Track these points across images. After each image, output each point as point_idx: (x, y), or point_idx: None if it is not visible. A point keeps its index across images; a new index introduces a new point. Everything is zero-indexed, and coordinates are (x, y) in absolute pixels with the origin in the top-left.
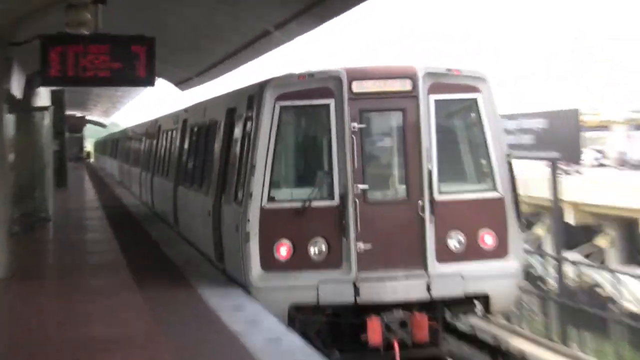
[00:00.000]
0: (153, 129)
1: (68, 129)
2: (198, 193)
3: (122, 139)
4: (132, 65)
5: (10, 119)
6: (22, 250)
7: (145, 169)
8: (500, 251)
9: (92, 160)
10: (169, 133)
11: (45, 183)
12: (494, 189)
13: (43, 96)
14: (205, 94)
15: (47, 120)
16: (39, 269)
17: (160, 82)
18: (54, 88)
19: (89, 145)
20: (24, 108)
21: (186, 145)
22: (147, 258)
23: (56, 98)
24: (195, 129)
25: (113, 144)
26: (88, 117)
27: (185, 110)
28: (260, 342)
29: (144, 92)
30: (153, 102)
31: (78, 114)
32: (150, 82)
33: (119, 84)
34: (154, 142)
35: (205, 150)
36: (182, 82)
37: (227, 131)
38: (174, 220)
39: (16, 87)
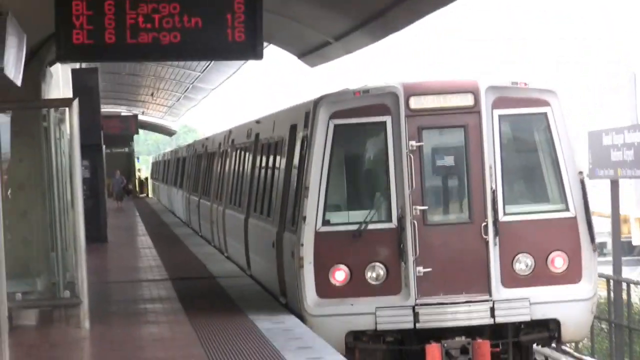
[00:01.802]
0: (225, 145)
1: (106, 140)
2: (266, 224)
3: (189, 157)
4: (221, 23)
5: (2, 122)
6: None
7: (215, 199)
8: (572, 275)
9: (149, 193)
10: (240, 151)
11: (68, 237)
12: (566, 208)
13: (59, 81)
14: (345, 73)
15: (67, 124)
16: None
17: (272, 52)
18: (78, 66)
19: (143, 168)
20: (25, 103)
21: (257, 166)
22: None
23: (84, 84)
24: (266, 147)
25: (176, 165)
26: (142, 118)
27: (257, 121)
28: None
29: (245, 70)
30: (260, 89)
31: (124, 111)
32: (254, 52)
33: (197, 55)
34: (226, 161)
35: (272, 172)
36: (311, 52)
37: (290, 150)
38: (247, 263)
39: (12, 66)
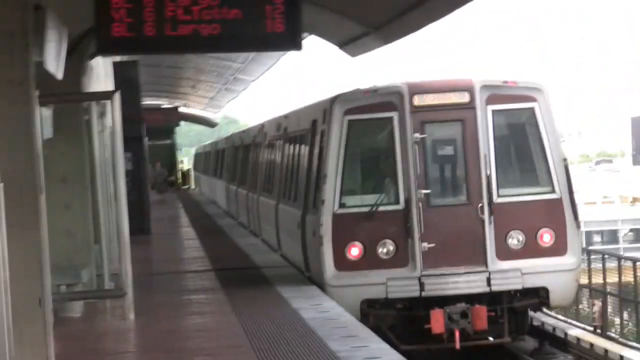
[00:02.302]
0: (258, 137)
1: (149, 132)
2: (292, 208)
3: (227, 149)
4: (260, 14)
5: (45, 116)
6: None
7: (251, 188)
8: (558, 248)
9: (192, 185)
10: (271, 143)
11: (112, 229)
12: (552, 191)
13: (101, 74)
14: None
15: (109, 116)
16: None
17: (312, 42)
18: (118, 59)
19: (185, 160)
20: (66, 96)
21: (284, 157)
22: None
23: (125, 76)
24: (292, 139)
25: (215, 157)
26: (183, 110)
27: (285, 116)
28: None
29: (285, 61)
30: (301, 78)
31: (165, 104)
32: (293, 43)
33: (236, 47)
34: (259, 153)
35: (298, 162)
36: (351, 42)
37: (311, 142)
38: (277, 242)
39: (52, 60)
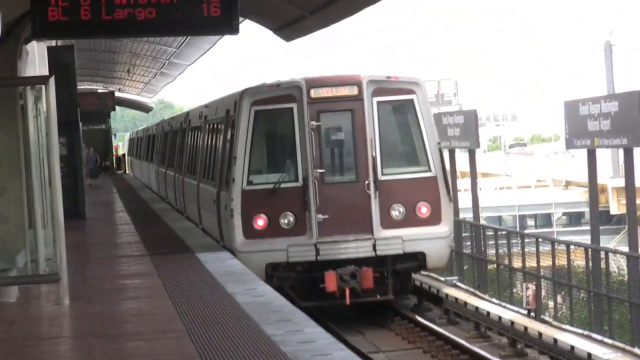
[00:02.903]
0: (184, 124)
1: (83, 117)
2: (210, 186)
3: (157, 135)
4: None
5: None
6: None
7: (177, 170)
8: (434, 219)
9: (127, 170)
10: (194, 130)
11: (47, 214)
12: (428, 170)
13: (35, 59)
14: (322, 45)
15: (44, 101)
16: None
17: (248, 27)
18: (53, 43)
19: (120, 145)
20: (2, 80)
21: (204, 142)
22: None
23: (60, 61)
24: (211, 126)
25: (147, 142)
26: (119, 95)
27: (206, 106)
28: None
29: (221, 45)
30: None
31: (100, 88)
32: (230, 27)
33: (173, 31)
34: (184, 138)
35: (214, 146)
36: (287, 26)
37: (225, 129)
38: (198, 218)
39: None
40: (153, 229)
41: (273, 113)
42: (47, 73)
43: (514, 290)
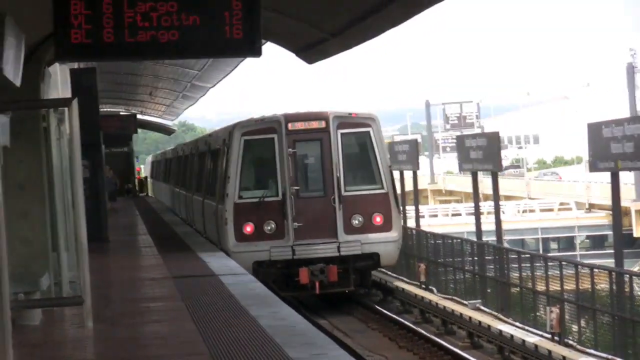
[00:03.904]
0: (193, 150)
1: (105, 140)
2: (211, 201)
3: (173, 159)
4: (219, 20)
5: (2, 123)
6: None
7: (186, 188)
8: (386, 226)
9: (149, 192)
10: (200, 155)
11: (70, 237)
12: (382, 187)
13: (58, 81)
14: (343, 69)
15: (67, 123)
16: None
17: (270, 49)
18: (76, 66)
19: (142, 167)
20: (24, 103)
21: (208, 165)
22: None
23: (82, 84)
24: (213, 153)
25: (165, 165)
26: (141, 117)
27: (209, 135)
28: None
29: (243, 67)
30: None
31: (122, 111)
32: (252, 49)
33: (195, 53)
34: (193, 162)
35: (215, 169)
36: (309, 48)
37: (221, 155)
38: (202, 225)
39: (11, 67)
40: (176, 251)
41: (259, 142)
42: (69, 95)
43: (538, 314)
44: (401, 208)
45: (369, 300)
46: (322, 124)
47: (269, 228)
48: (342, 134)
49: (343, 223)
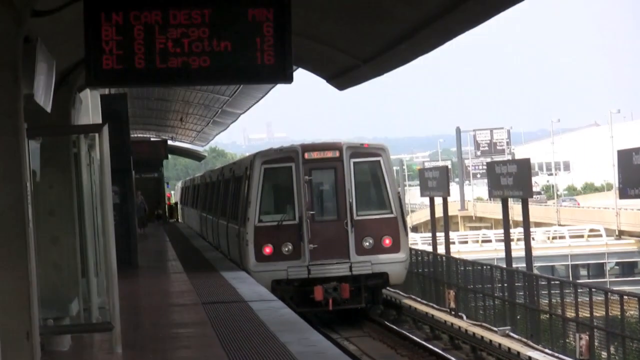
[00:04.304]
0: (219, 177)
1: (136, 165)
2: (234, 225)
3: (200, 185)
4: (251, 46)
5: (33, 149)
6: None
7: (213, 213)
8: (394, 248)
9: (179, 218)
10: (225, 182)
11: (100, 263)
12: (391, 212)
13: (89, 107)
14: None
15: (97, 149)
16: None
17: (301, 75)
18: (107, 92)
19: (172, 194)
20: (55, 129)
21: (231, 192)
22: None
23: (113, 109)
24: (237, 179)
25: (193, 191)
26: (171, 143)
27: (234, 163)
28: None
29: (275, 94)
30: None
31: (153, 137)
32: (284, 75)
33: (227, 79)
34: (218, 188)
35: (238, 195)
36: (340, 75)
37: (244, 182)
38: (226, 247)
39: (42, 92)
40: (206, 277)
41: (277, 170)
42: (100, 121)
43: (567, 340)
44: (409, 231)
45: (381, 318)
46: (336, 154)
47: (286, 249)
48: (354, 162)
49: (355, 245)
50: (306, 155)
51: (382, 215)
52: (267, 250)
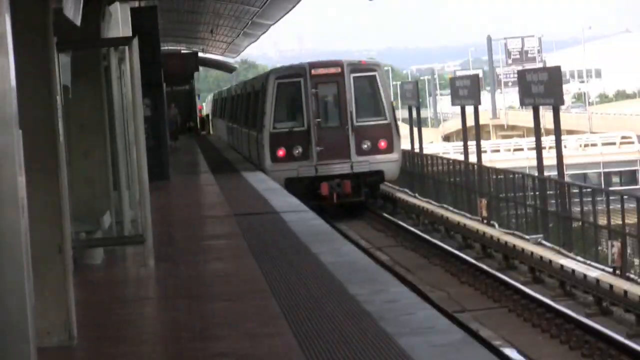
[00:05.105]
0: (242, 91)
1: (167, 78)
2: (253, 131)
3: (227, 98)
4: None
5: (63, 63)
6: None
7: (237, 122)
8: (389, 149)
9: (211, 130)
10: (247, 95)
11: (132, 176)
12: (385, 119)
13: (119, 20)
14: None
15: (128, 63)
16: None
17: None
18: (137, 4)
19: (203, 105)
20: (85, 42)
21: (251, 103)
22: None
23: (143, 22)
24: (255, 93)
25: (221, 103)
26: (202, 55)
27: (254, 78)
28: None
29: (306, 4)
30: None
31: (183, 49)
32: None
33: None
34: (242, 100)
35: (256, 106)
36: None
37: (261, 95)
38: (248, 151)
39: (71, 6)
40: (237, 189)
41: (288, 84)
42: (130, 34)
43: (599, 248)
44: (401, 134)
45: (381, 210)
46: (338, 70)
47: (297, 152)
48: (354, 77)
49: (355, 147)
50: (313, 72)
51: (378, 122)
52: (281, 152)
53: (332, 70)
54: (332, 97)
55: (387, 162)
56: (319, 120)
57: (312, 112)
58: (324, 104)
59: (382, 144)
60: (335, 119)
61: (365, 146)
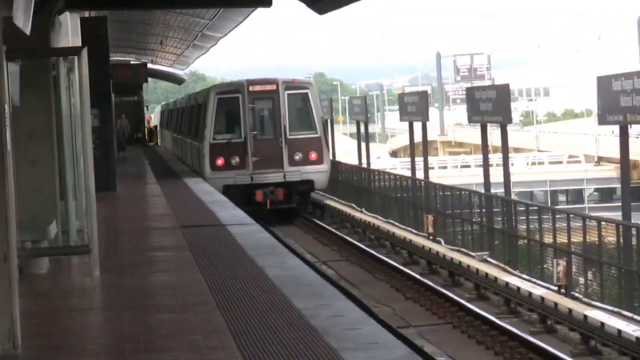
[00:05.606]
0: (186, 104)
1: (116, 89)
2: (194, 141)
3: (172, 110)
4: None
5: (12, 72)
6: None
7: (181, 133)
8: (319, 161)
9: (158, 141)
10: (190, 107)
11: (79, 186)
12: (316, 133)
13: (69, 30)
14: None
15: (77, 73)
16: None
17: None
18: (87, 14)
19: (152, 116)
20: (34, 51)
21: (194, 115)
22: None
23: (93, 33)
24: (198, 106)
25: (167, 115)
26: (151, 67)
27: (197, 92)
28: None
29: (252, 18)
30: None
31: (132, 60)
32: (262, 0)
33: (206, 2)
34: (185, 113)
35: (198, 118)
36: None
37: (203, 108)
38: (190, 160)
39: (21, 15)
40: (184, 201)
41: (228, 99)
42: (79, 44)
43: (545, 266)
44: (330, 147)
45: (310, 216)
46: (274, 87)
47: (234, 161)
48: (288, 94)
49: (288, 158)
50: (250, 88)
51: (309, 135)
52: (220, 162)
53: (268, 87)
54: (268, 112)
55: (317, 173)
56: (255, 132)
57: (249, 125)
58: (260, 117)
59: (313, 155)
60: (270, 132)
61: (297, 157)
